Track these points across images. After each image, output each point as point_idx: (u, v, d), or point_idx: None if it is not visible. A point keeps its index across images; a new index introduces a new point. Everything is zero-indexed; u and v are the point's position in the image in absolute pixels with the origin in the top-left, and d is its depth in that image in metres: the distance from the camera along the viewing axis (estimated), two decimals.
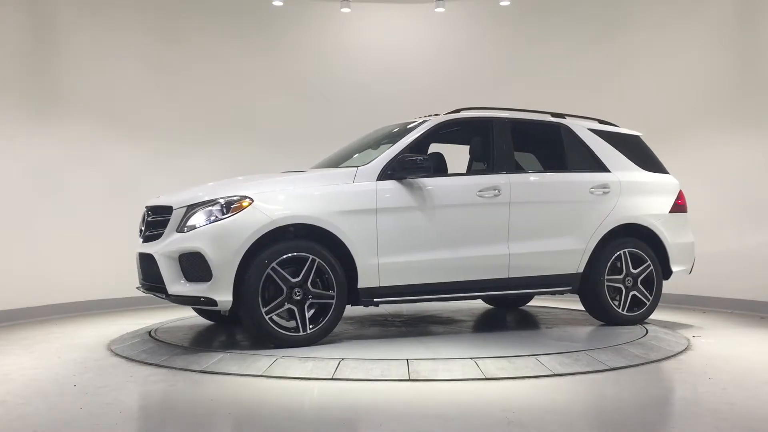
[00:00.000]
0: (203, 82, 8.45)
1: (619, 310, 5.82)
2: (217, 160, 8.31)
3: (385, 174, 5.12)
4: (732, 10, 7.54)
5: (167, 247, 4.81)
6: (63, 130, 7.36)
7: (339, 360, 4.38)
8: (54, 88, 7.33)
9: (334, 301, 4.89)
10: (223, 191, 4.89)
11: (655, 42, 8.10)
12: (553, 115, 6.11)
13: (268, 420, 3.42)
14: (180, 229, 4.81)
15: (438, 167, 5.57)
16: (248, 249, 4.68)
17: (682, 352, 4.95)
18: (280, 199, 4.87)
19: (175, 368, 4.44)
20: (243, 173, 5.83)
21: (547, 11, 8.76)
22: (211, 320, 6.07)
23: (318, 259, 4.83)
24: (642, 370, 4.40)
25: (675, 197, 6.21)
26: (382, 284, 5.04)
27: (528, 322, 6.32)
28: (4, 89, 6.83)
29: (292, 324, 4.84)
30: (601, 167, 5.96)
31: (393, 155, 5.19)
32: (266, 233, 4.71)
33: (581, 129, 6.05)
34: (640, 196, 5.99)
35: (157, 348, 4.96)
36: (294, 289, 4.78)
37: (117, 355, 4.95)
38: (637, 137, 6.40)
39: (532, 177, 5.79)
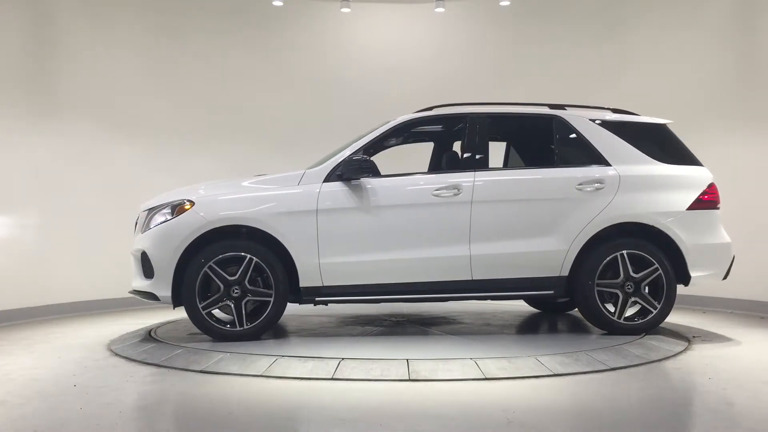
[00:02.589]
0: (203, 82, 8.45)
1: (614, 318, 5.29)
2: (218, 159, 8.32)
3: (333, 175, 5.20)
4: (732, 11, 7.54)
5: (133, 246, 5.35)
6: (63, 129, 7.35)
7: (339, 360, 4.38)
8: (53, 88, 7.32)
9: (272, 299, 5.06)
10: (176, 196, 5.28)
11: (655, 42, 8.10)
12: (552, 106, 5.74)
13: (268, 420, 3.42)
14: (143, 231, 5.27)
15: (451, 166, 5.61)
16: (189, 248, 5.02)
17: (682, 352, 4.95)
18: (219, 201, 5.17)
19: (175, 368, 4.44)
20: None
21: (547, 11, 8.76)
22: None
23: (256, 258, 5.03)
24: (642, 370, 4.40)
25: (699, 192, 5.46)
26: (326, 284, 5.14)
27: (528, 323, 6.31)
28: (3, 89, 6.82)
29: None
30: (600, 161, 5.45)
31: (344, 157, 5.24)
32: (203, 234, 5.03)
33: (580, 120, 5.59)
34: (646, 192, 5.39)
35: (157, 348, 4.96)
36: (232, 287, 5.01)
37: (117, 355, 4.95)
38: (659, 126, 5.76)
39: (504, 174, 5.45)
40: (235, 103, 8.57)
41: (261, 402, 3.71)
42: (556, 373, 4.23)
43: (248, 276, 5.04)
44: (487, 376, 4.12)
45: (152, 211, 5.26)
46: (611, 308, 5.35)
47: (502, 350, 4.74)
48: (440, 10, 8.78)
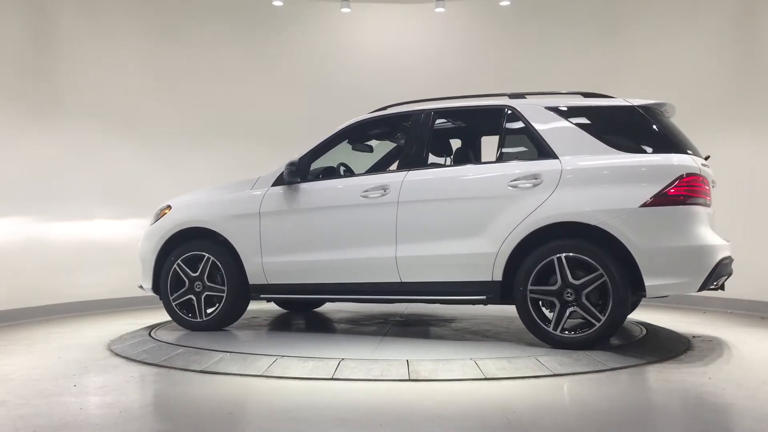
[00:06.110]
0: (203, 82, 8.45)
1: (550, 329, 4.68)
2: (218, 160, 8.32)
3: (280, 179, 5.44)
4: (732, 11, 7.54)
5: None
6: (63, 131, 7.35)
7: (339, 360, 4.38)
8: (54, 90, 7.32)
9: (224, 295, 5.50)
10: (169, 201, 5.88)
11: (655, 42, 8.10)
12: (512, 96, 5.21)
13: (268, 420, 3.42)
14: None
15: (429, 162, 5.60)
16: (169, 247, 5.64)
17: (682, 352, 4.95)
18: (187, 206, 5.76)
19: (175, 368, 4.44)
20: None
21: (547, 11, 8.76)
22: (284, 308, 6.95)
23: (212, 258, 5.51)
24: (642, 370, 4.40)
25: (664, 185, 4.51)
26: (270, 282, 5.43)
27: None
28: (3, 91, 6.82)
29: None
30: (547, 153, 4.81)
31: (291, 161, 5.38)
32: (173, 234, 5.63)
33: (533, 109, 4.99)
34: (592, 187, 4.65)
35: (157, 348, 4.96)
36: (195, 282, 5.55)
37: (117, 355, 4.95)
38: (629, 108, 4.95)
39: (432, 174, 5.11)
40: (235, 103, 8.56)
41: (261, 402, 3.71)
42: (556, 373, 4.23)
43: (206, 273, 5.53)
44: (487, 376, 4.12)
45: (156, 214, 5.92)
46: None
47: (502, 350, 4.73)
48: (440, 10, 8.78)
